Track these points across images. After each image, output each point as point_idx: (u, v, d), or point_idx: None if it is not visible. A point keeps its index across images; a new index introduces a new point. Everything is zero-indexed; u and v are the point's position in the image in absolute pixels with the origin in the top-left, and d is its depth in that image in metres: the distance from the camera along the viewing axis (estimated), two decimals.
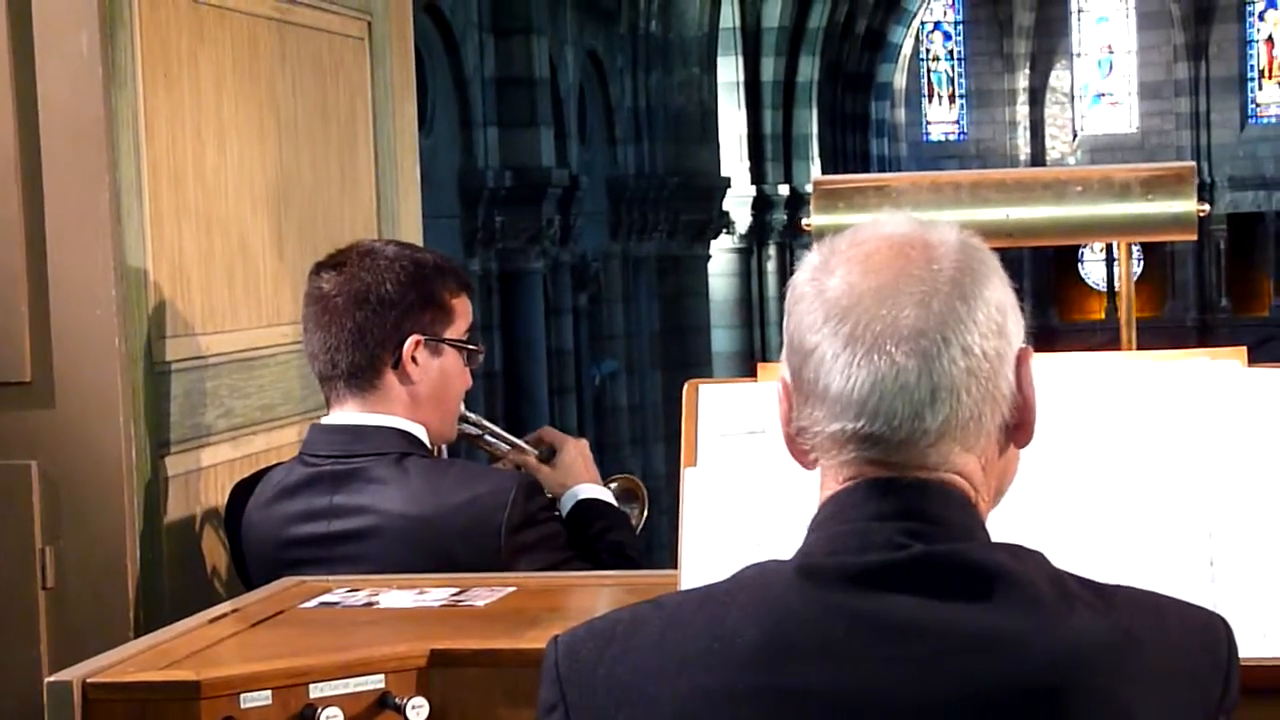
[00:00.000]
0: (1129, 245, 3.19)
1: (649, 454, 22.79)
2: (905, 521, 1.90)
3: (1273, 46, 40.29)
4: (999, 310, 1.95)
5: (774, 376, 2.81)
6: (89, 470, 3.52)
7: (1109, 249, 37.94)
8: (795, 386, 1.97)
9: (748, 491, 2.74)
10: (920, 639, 1.84)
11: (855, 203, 3.13)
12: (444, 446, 3.86)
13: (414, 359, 3.59)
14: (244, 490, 3.68)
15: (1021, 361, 1.98)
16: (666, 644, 1.91)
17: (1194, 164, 3.21)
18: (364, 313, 3.58)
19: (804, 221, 3.18)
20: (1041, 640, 1.84)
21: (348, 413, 3.61)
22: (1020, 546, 1.93)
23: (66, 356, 3.51)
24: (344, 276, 3.60)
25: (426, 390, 3.63)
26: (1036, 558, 1.92)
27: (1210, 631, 1.94)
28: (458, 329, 3.68)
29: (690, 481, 2.77)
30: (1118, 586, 1.94)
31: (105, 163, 3.50)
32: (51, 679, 2.62)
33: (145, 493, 3.57)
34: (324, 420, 3.66)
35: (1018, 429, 1.99)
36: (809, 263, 2.00)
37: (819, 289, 1.95)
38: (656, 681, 1.89)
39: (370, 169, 4.60)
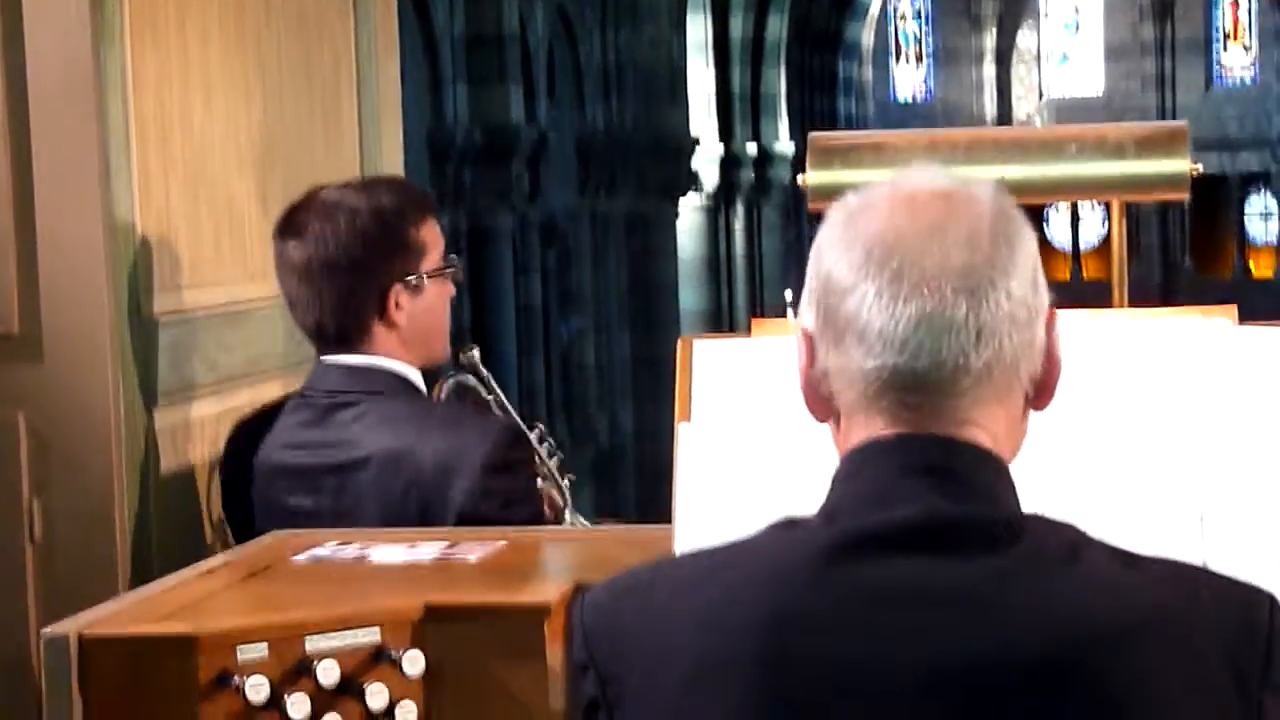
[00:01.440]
0: (1122, 204, 3.20)
1: (616, 412, 22.81)
2: (932, 477, 1.88)
3: (1237, 9, 40.35)
4: (1035, 265, 1.94)
5: (770, 332, 2.84)
6: (77, 422, 3.51)
7: (1074, 210, 38.05)
8: (824, 329, 1.93)
9: (742, 447, 2.74)
10: (932, 608, 1.81)
11: (851, 160, 3.13)
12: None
13: (397, 304, 3.62)
14: (245, 426, 3.73)
15: (1050, 322, 1.96)
16: (681, 603, 1.90)
17: (1186, 123, 3.22)
18: (340, 278, 3.60)
19: (800, 179, 3.18)
20: (1058, 613, 1.80)
21: (343, 356, 3.66)
22: (1044, 516, 1.91)
23: (54, 309, 3.50)
24: (310, 242, 3.60)
25: (415, 328, 3.67)
26: (1063, 527, 1.90)
27: (1250, 608, 1.87)
28: (432, 259, 3.69)
29: (684, 437, 2.76)
30: (1153, 559, 1.90)
31: (94, 119, 3.49)
32: (48, 631, 2.60)
33: (133, 445, 3.57)
34: (324, 358, 3.69)
35: (1041, 390, 1.97)
36: (842, 207, 1.97)
37: (858, 231, 1.92)
38: (671, 641, 1.88)
39: (354, 127, 4.60)
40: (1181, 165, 3.07)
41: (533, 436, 3.93)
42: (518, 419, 3.92)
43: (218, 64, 3.96)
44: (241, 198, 4.05)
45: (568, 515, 3.96)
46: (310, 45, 4.40)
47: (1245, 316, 2.76)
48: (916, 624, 1.81)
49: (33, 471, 3.52)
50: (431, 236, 3.71)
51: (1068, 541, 1.88)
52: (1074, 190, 3.15)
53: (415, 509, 3.49)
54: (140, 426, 3.59)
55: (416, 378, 3.68)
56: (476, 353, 3.91)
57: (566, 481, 4.06)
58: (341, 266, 3.59)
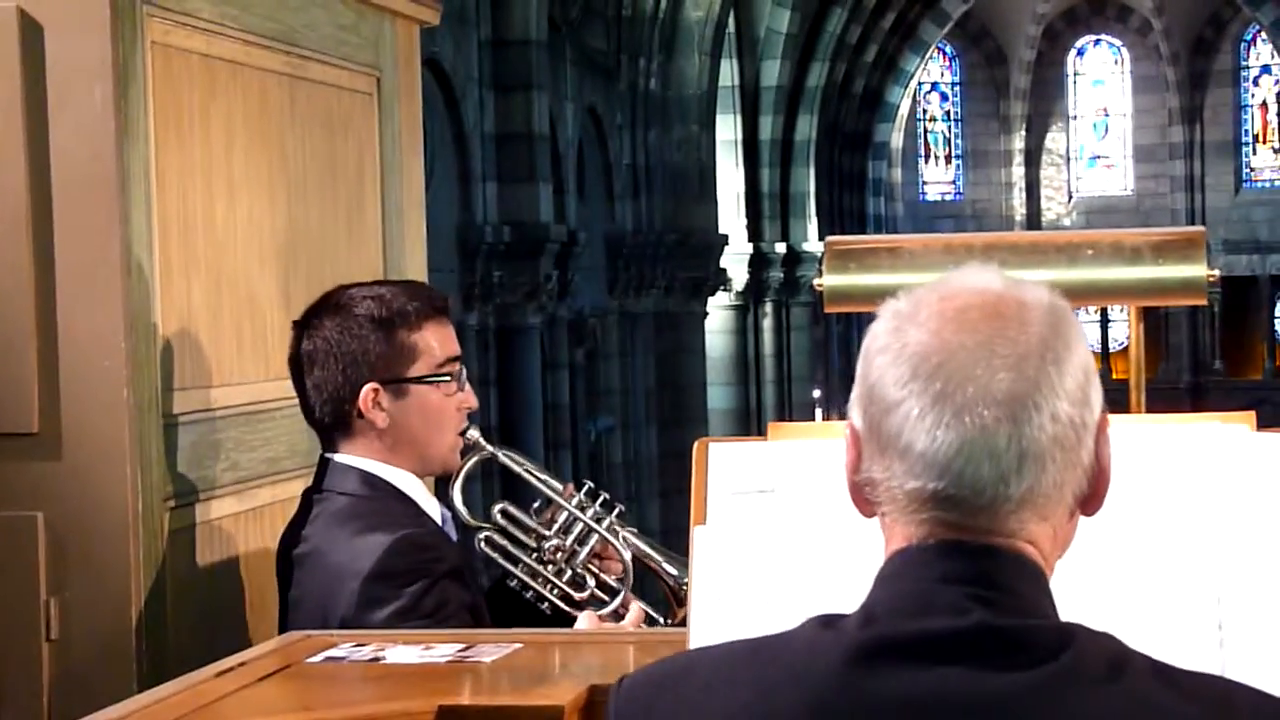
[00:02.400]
0: (1139, 309, 3.19)
1: (644, 509, 22.77)
2: (972, 587, 1.85)
3: (1267, 111, 40.42)
4: (1085, 376, 1.90)
5: (787, 435, 2.84)
6: (95, 521, 3.51)
7: (1103, 313, 38.01)
8: (869, 437, 1.91)
9: (757, 551, 2.73)
10: (964, 717, 1.79)
11: (867, 263, 3.13)
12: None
13: (376, 405, 3.64)
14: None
15: (1100, 430, 1.93)
16: (712, 697, 1.89)
17: (1204, 229, 3.21)
18: (320, 371, 3.67)
19: (815, 282, 3.18)
20: None
21: (335, 452, 3.72)
22: (1085, 627, 1.87)
23: (75, 407, 3.51)
24: (306, 335, 3.69)
25: (402, 432, 3.68)
26: (1103, 639, 1.86)
27: None
28: (425, 363, 3.69)
29: (699, 540, 2.75)
30: (1194, 675, 1.87)
31: (116, 216, 3.51)
32: None
33: (150, 545, 3.57)
34: (322, 453, 3.75)
35: (1091, 498, 1.94)
36: (893, 311, 1.93)
37: (905, 341, 1.89)
38: None
39: (377, 224, 4.62)
40: (1199, 270, 3.06)
41: (575, 508, 3.86)
42: (547, 485, 3.88)
43: (241, 161, 3.98)
44: (263, 296, 4.06)
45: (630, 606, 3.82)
46: (335, 143, 4.43)
47: (1275, 416, 2.75)
48: None
49: (50, 570, 3.52)
50: (430, 341, 3.71)
51: (1110, 657, 1.85)
52: (1091, 295, 3.14)
53: (319, 611, 3.52)
54: (158, 526, 3.59)
55: (399, 480, 3.69)
56: (474, 431, 3.84)
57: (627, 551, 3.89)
58: (327, 360, 3.65)
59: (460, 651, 3.05)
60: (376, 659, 3.03)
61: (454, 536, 3.80)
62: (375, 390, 3.64)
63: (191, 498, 3.71)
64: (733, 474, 2.81)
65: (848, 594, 2.14)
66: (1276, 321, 39.73)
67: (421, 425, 3.70)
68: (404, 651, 3.06)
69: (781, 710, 1.83)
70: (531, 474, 3.91)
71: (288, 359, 3.72)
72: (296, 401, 4.08)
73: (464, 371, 3.79)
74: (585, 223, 20.98)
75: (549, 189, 19.09)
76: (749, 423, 25.86)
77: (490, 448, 3.87)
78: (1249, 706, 1.85)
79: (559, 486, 3.88)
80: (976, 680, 1.80)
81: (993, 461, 1.84)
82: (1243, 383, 37.48)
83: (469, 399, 3.79)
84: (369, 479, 3.67)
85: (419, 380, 3.69)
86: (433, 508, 3.77)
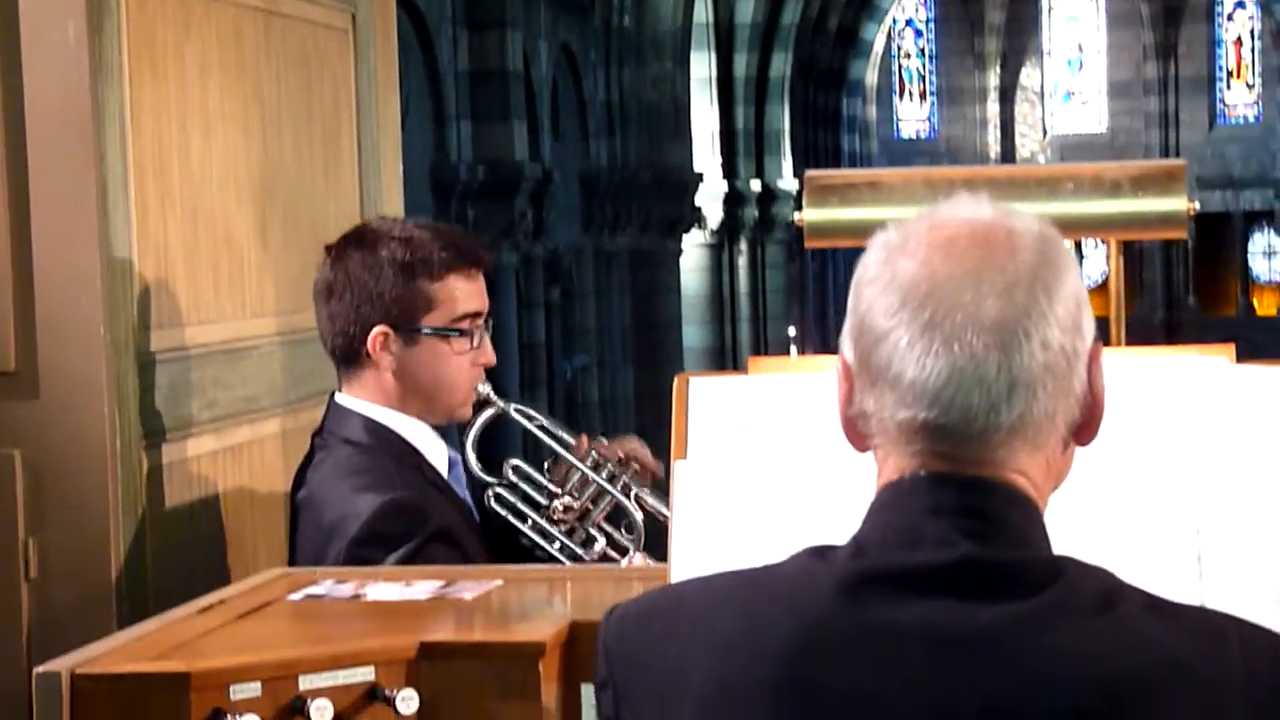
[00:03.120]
0: (1119, 243, 3.19)
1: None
2: (961, 519, 1.85)
3: (1241, 47, 40.43)
4: (1076, 304, 1.89)
5: (767, 370, 2.84)
6: (73, 460, 3.49)
7: (1078, 247, 38.02)
8: (860, 370, 1.91)
9: (738, 485, 2.73)
10: (951, 648, 1.79)
11: (848, 198, 3.12)
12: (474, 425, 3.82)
13: (385, 349, 3.63)
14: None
15: (1094, 358, 1.93)
16: (703, 627, 1.89)
17: (1184, 162, 3.20)
18: (335, 302, 3.65)
19: (795, 216, 3.17)
20: (1080, 661, 1.77)
21: (340, 394, 3.71)
22: (1077, 560, 1.87)
23: (51, 346, 3.49)
24: (332, 263, 3.68)
25: (411, 380, 3.66)
26: (1095, 572, 1.86)
27: (1278, 662, 1.84)
28: (442, 314, 3.65)
29: (680, 474, 2.75)
30: (1188, 608, 1.88)
31: (91, 154, 3.48)
32: (40, 669, 2.60)
33: (129, 483, 3.55)
34: (333, 391, 3.76)
35: (1084, 427, 1.94)
36: (883, 242, 1.92)
37: (894, 271, 1.88)
38: (691, 663, 1.87)
39: (353, 161, 4.59)
40: (1179, 204, 3.06)
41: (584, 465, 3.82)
42: (559, 440, 3.82)
43: (216, 98, 3.95)
44: (240, 234, 4.04)
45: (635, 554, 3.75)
46: (310, 80, 4.40)
47: (1248, 353, 2.75)
48: (934, 665, 1.79)
49: (28, 509, 3.50)
50: (453, 294, 3.66)
51: (1099, 589, 1.85)
52: (1071, 229, 3.12)
53: (312, 560, 3.51)
54: (136, 464, 3.58)
55: (403, 427, 3.67)
56: (485, 387, 3.78)
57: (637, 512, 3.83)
58: (344, 294, 3.63)
59: (441, 588, 3.05)
60: (357, 596, 3.04)
61: (462, 485, 3.79)
62: (385, 334, 3.62)
63: (170, 436, 3.69)
64: (713, 409, 2.81)
65: (827, 527, 2.14)
66: (1250, 258, 39.83)
67: (430, 376, 3.67)
68: (385, 589, 3.06)
69: (771, 639, 1.84)
70: (544, 430, 3.84)
71: (314, 284, 3.71)
72: (274, 339, 4.08)
73: (486, 328, 3.74)
74: (560, 161, 20.95)
75: (523, 127, 19.06)
76: (724, 361, 25.87)
77: (501, 404, 3.80)
78: (1240, 638, 1.85)
79: (572, 443, 3.80)
80: (964, 612, 1.80)
81: (983, 389, 1.84)
82: (1216, 319, 37.61)
83: (484, 355, 3.73)
84: (371, 426, 3.65)
85: (431, 331, 3.65)
86: (439, 455, 3.74)
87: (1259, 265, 39.80)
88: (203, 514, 3.83)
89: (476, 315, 3.70)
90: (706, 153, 26.48)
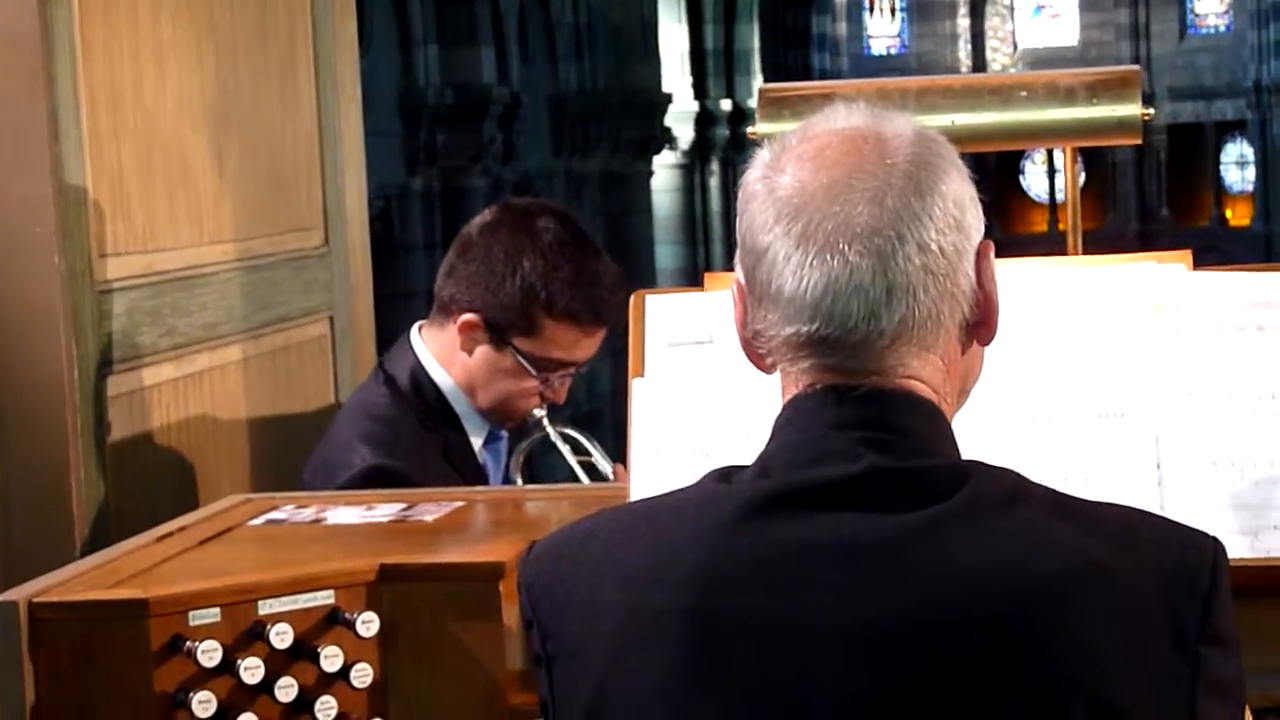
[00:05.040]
0: (1074, 150, 3.17)
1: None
2: (863, 431, 1.84)
3: None
4: (956, 204, 1.89)
5: (722, 286, 2.82)
6: (30, 389, 3.48)
7: (1050, 162, 38.05)
8: (750, 289, 1.91)
9: (695, 401, 2.73)
10: (858, 563, 1.78)
11: (801, 111, 3.09)
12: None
13: (469, 334, 3.63)
14: None
15: (982, 256, 1.92)
16: (617, 557, 1.88)
17: (1138, 68, 3.19)
18: (462, 262, 3.66)
19: (749, 130, 3.16)
20: (988, 566, 1.77)
21: (417, 331, 3.74)
22: (984, 464, 1.86)
23: (5, 275, 3.47)
24: (487, 224, 3.67)
25: (477, 371, 3.66)
26: (1004, 476, 1.85)
27: (1190, 557, 1.82)
28: (536, 346, 3.63)
29: (638, 392, 2.75)
30: (1098, 506, 1.86)
31: (41, 82, 3.46)
32: None
33: (87, 412, 3.54)
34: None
35: (980, 325, 1.93)
36: (760, 160, 1.93)
37: (770, 187, 1.89)
38: (604, 596, 1.86)
39: (311, 88, 4.56)
40: (1133, 110, 3.04)
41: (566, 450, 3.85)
42: (596, 472, 3.82)
43: (169, 26, 3.92)
44: (197, 161, 4.01)
45: None
46: (265, 7, 4.36)
47: (1222, 263, 2.75)
48: (843, 579, 1.78)
49: None
50: (556, 337, 3.64)
51: (1005, 491, 1.83)
52: (1026, 137, 3.11)
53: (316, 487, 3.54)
54: (94, 393, 3.56)
55: (450, 389, 3.68)
56: (540, 411, 3.76)
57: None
58: (472, 262, 3.64)
59: (402, 511, 3.04)
60: (318, 520, 3.03)
61: (499, 457, 3.79)
62: (476, 325, 3.62)
63: (128, 364, 3.68)
64: (670, 325, 2.80)
65: None
66: (1222, 168, 39.85)
67: (493, 383, 3.67)
68: (346, 513, 3.05)
69: (681, 567, 1.83)
70: (583, 461, 3.83)
71: (463, 230, 3.70)
72: (233, 265, 4.05)
73: (568, 380, 3.75)
74: (528, 84, 20.88)
75: (491, 51, 18.99)
76: (698, 281, 25.81)
77: (550, 429, 3.79)
78: (1150, 534, 1.84)
79: (609, 475, 3.79)
80: (871, 522, 1.79)
81: (860, 297, 1.84)
82: (1190, 229, 37.61)
83: (553, 396, 3.73)
84: (421, 376, 3.67)
85: (516, 352, 3.63)
86: (478, 425, 3.73)
87: (1231, 175, 39.82)
88: (164, 442, 3.82)
89: (564, 365, 3.69)
90: (676, 73, 26.38)
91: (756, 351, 1.95)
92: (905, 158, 1.88)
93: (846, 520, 1.80)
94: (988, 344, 1.97)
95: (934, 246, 1.86)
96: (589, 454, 3.85)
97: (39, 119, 3.44)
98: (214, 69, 4.11)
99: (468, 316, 3.60)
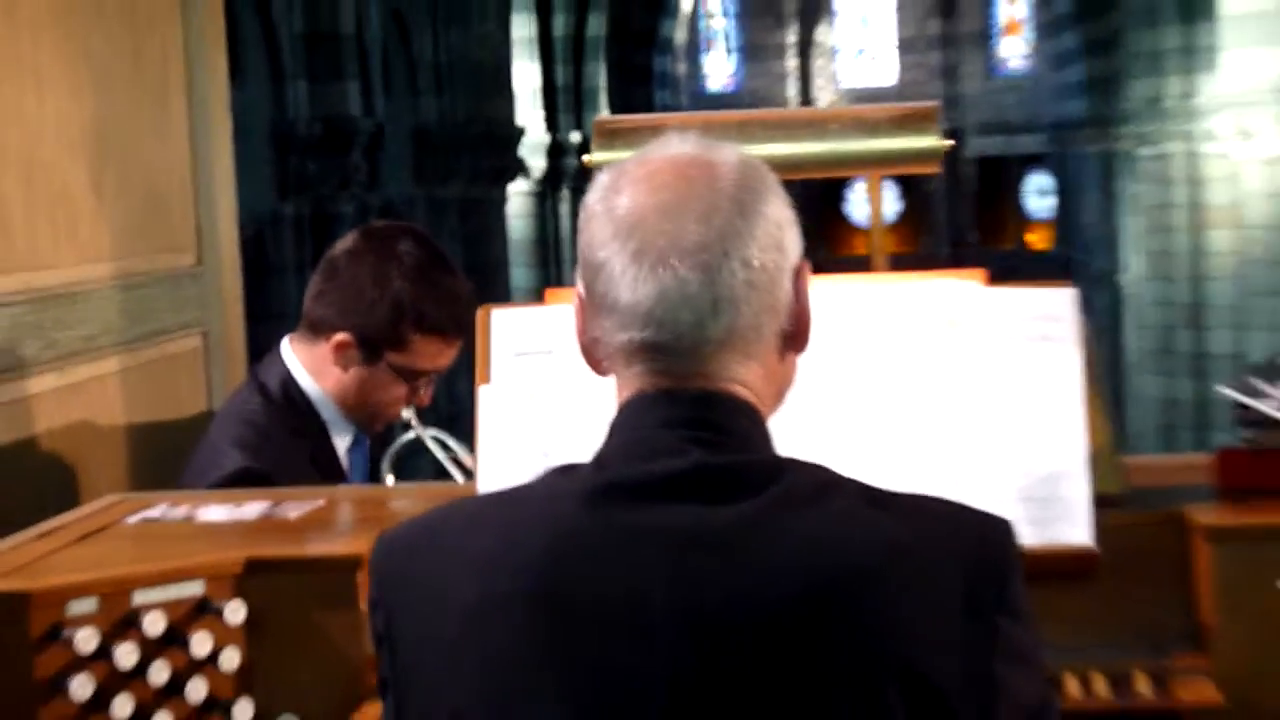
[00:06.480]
0: (879, 178, 3.22)
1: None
2: (690, 430, 1.87)
3: (1014, 4, 40.82)
4: (777, 226, 1.92)
5: (562, 300, 2.84)
6: None
7: (880, 190, 38.29)
8: (588, 299, 1.94)
9: (537, 406, 2.74)
10: (687, 549, 1.79)
11: (633, 141, 3.13)
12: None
13: (341, 352, 3.62)
14: None
15: (799, 274, 1.96)
16: (464, 545, 1.88)
17: (937, 103, 3.24)
18: (330, 285, 3.64)
19: (585, 158, 3.18)
20: (805, 553, 1.79)
21: (287, 342, 3.70)
22: (798, 459, 1.89)
23: None
24: (351, 249, 3.64)
25: (347, 385, 3.65)
26: (813, 469, 1.88)
27: (986, 538, 1.86)
28: (407, 359, 3.64)
29: (484, 398, 2.77)
30: (903, 496, 1.88)
31: None
32: None
33: None
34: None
35: (795, 336, 1.96)
36: (600, 183, 1.95)
37: (608, 207, 1.91)
38: (453, 580, 1.86)
39: (184, 116, 4.53)
40: (932, 141, 3.10)
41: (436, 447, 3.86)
42: (465, 469, 3.83)
43: (48, 56, 3.88)
44: (76, 186, 3.98)
45: None
46: (140, 39, 4.33)
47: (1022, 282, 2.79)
48: (675, 565, 1.79)
49: None
50: (426, 350, 3.66)
51: (819, 484, 1.86)
52: (836, 165, 3.15)
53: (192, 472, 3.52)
54: None
55: (318, 399, 3.66)
56: (409, 412, 3.78)
57: None
58: (342, 284, 3.62)
59: (269, 508, 3.04)
60: (190, 518, 3.02)
61: (363, 463, 3.77)
62: (348, 343, 3.61)
63: (12, 374, 3.64)
64: (514, 337, 2.82)
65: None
66: (1025, 197, 40.37)
67: (365, 394, 3.66)
68: (215, 510, 3.05)
69: (526, 553, 1.83)
70: (452, 461, 3.85)
71: (328, 253, 3.66)
72: (111, 283, 4.02)
73: (432, 385, 3.74)
74: (392, 116, 20.73)
75: (357, 86, 18.84)
76: None
77: (420, 430, 3.81)
78: (950, 519, 1.87)
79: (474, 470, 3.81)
80: (699, 514, 1.81)
81: (689, 307, 1.87)
82: (996, 253, 38.03)
83: (420, 400, 3.73)
84: (291, 386, 3.64)
85: (388, 366, 3.64)
86: (343, 432, 3.71)
87: (1033, 203, 40.27)
88: (47, 447, 3.78)
89: (434, 371, 3.70)
90: (529, 108, 26.35)
91: (594, 356, 1.97)
92: (731, 182, 1.91)
93: (676, 511, 1.82)
94: (800, 353, 2.00)
95: (756, 263, 1.89)
96: (453, 451, 3.87)
97: None
98: (91, 96, 4.07)
99: (341, 336, 3.60)
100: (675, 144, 1.97)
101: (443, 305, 3.65)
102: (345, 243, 3.68)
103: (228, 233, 4.66)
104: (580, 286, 1.96)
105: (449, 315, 3.66)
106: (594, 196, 1.95)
